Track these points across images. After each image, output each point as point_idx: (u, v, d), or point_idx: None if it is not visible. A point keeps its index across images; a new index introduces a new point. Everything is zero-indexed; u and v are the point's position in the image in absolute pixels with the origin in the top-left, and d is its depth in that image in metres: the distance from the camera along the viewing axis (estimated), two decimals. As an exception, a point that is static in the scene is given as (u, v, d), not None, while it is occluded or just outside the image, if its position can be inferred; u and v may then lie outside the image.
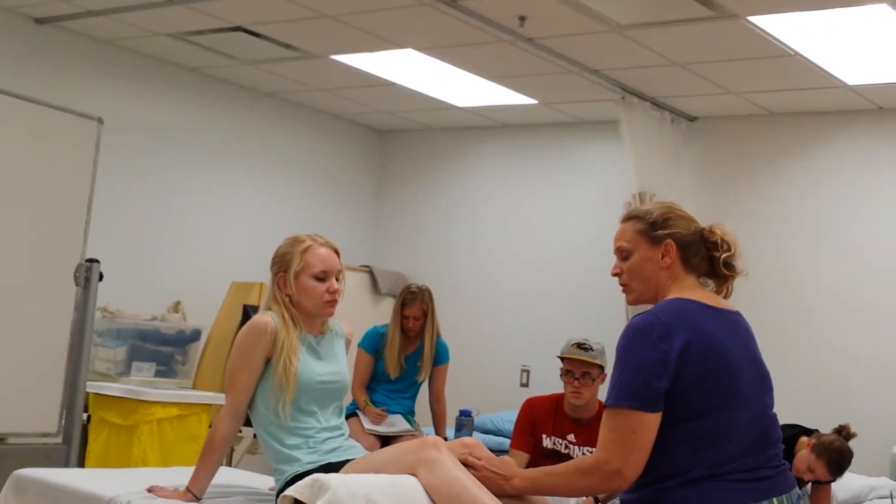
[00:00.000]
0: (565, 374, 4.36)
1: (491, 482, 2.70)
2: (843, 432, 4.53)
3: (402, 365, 5.54)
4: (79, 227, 5.08)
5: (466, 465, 2.74)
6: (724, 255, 2.60)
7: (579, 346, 4.34)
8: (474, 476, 2.71)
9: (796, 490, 2.57)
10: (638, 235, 2.62)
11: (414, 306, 5.50)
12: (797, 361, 6.21)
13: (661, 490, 2.46)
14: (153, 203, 6.78)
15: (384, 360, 5.50)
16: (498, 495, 2.68)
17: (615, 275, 2.67)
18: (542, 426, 4.36)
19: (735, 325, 2.62)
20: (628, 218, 2.67)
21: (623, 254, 2.65)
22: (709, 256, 2.63)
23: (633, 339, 2.48)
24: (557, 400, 4.42)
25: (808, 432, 4.58)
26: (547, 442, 4.32)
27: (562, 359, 4.40)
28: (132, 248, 6.55)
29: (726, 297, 2.66)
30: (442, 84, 6.84)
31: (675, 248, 2.60)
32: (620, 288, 2.70)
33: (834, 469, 4.48)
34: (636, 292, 2.64)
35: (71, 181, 5.07)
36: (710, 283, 2.66)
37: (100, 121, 5.20)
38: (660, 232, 2.60)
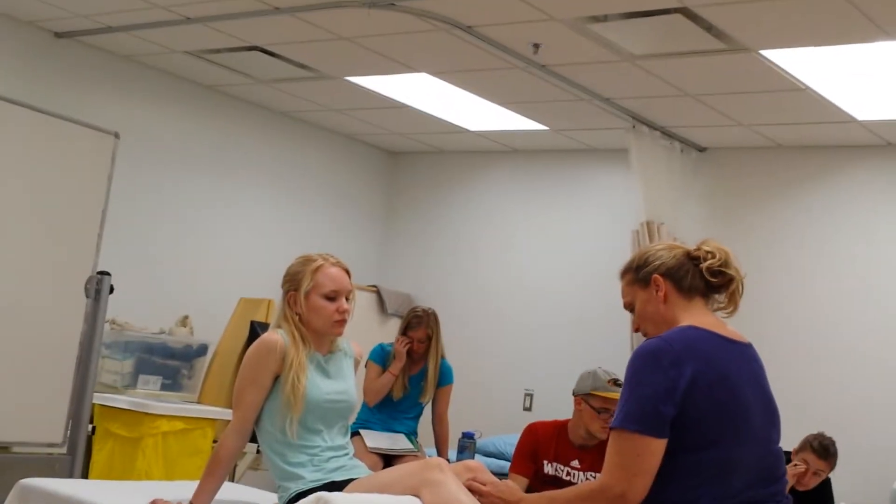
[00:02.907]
0: (602, 411, 4.16)
1: None
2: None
3: (406, 385, 5.56)
4: (91, 240, 5.12)
5: (472, 490, 2.75)
6: (706, 264, 2.64)
7: (615, 382, 4.23)
8: (480, 502, 2.73)
9: (797, 523, 2.59)
10: (631, 286, 2.72)
11: (419, 330, 5.53)
12: (798, 393, 6.20)
13: (666, 520, 2.48)
14: (165, 218, 6.83)
15: (389, 380, 5.53)
16: None
17: (636, 330, 2.77)
18: (545, 452, 4.34)
19: (745, 358, 2.64)
20: (621, 276, 2.77)
21: (630, 307, 2.75)
22: (701, 272, 2.67)
23: (644, 364, 2.51)
24: (561, 427, 4.39)
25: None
26: (548, 468, 4.31)
27: (592, 395, 4.23)
28: (143, 261, 6.60)
29: (734, 312, 2.69)
30: (454, 108, 6.89)
31: (663, 278, 2.65)
32: (632, 328, 2.79)
33: (823, 452, 4.61)
34: (652, 334, 2.67)
35: (85, 194, 5.12)
36: (721, 300, 2.69)
37: (116, 135, 5.25)
38: (643, 272, 2.68)
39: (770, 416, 2.64)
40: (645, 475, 2.45)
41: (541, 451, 4.32)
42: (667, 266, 2.66)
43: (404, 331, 5.57)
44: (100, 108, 6.30)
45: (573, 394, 4.30)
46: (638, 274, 2.70)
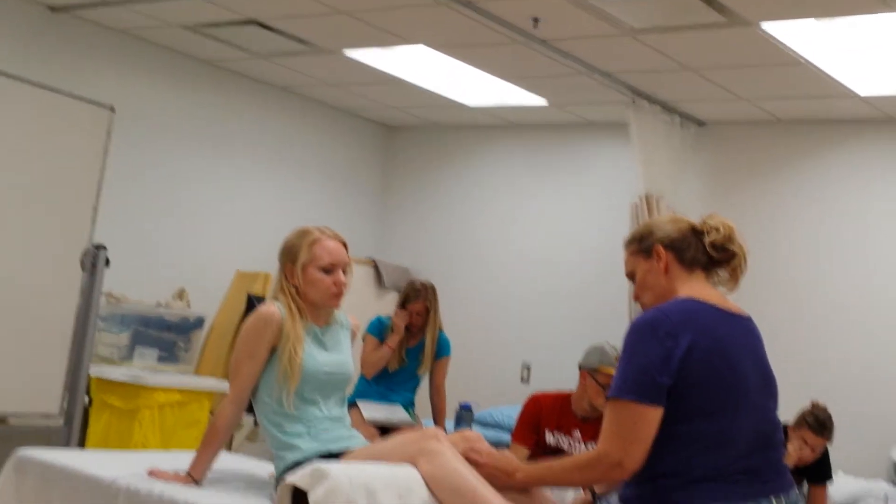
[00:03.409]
0: (607, 387, 3.91)
1: (494, 477, 2.72)
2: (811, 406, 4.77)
3: (404, 358, 5.57)
4: (87, 213, 5.12)
5: (469, 460, 2.75)
6: (710, 239, 2.65)
7: None
8: (478, 471, 2.73)
9: (795, 490, 2.60)
10: (634, 256, 2.73)
11: (417, 303, 5.54)
12: (798, 365, 6.23)
13: (663, 489, 2.48)
14: (161, 191, 6.81)
15: (386, 352, 5.53)
16: (500, 489, 2.71)
17: (635, 299, 2.77)
18: (547, 422, 4.35)
19: (743, 330, 2.65)
20: (625, 246, 2.77)
21: (631, 277, 2.76)
22: (704, 246, 2.67)
23: (640, 334, 2.52)
24: (564, 398, 4.40)
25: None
26: (550, 438, 4.32)
27: (598, 370, 4.20)
28: (139, 235, 6.58)
29: (735, 287, 2.69)
30: (452, 82, 6.85)
31: (665, 250, 2.66)
32: (633, 297, 2.80)
33: (819, 428, 4.62)
34: (650, 304, 2.68)
35: (81, 167, 5.11)
36: (723, 275, 2.69)
37: (112, 109, 5.23)
38: (647, 242, 2.69)
39: (768, 388, 2.65)
40: (642, 443, 2.46)
41: (544, 421, 4.34)
42: (670, 238, 2.67)
43: (403, 304, 5.57)
44: (95, 82, 6.26)
45: (579, 367, 4.31)
46: (641, 244, 2.71)
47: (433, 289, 5.63)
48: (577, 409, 4.33)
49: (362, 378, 5.60)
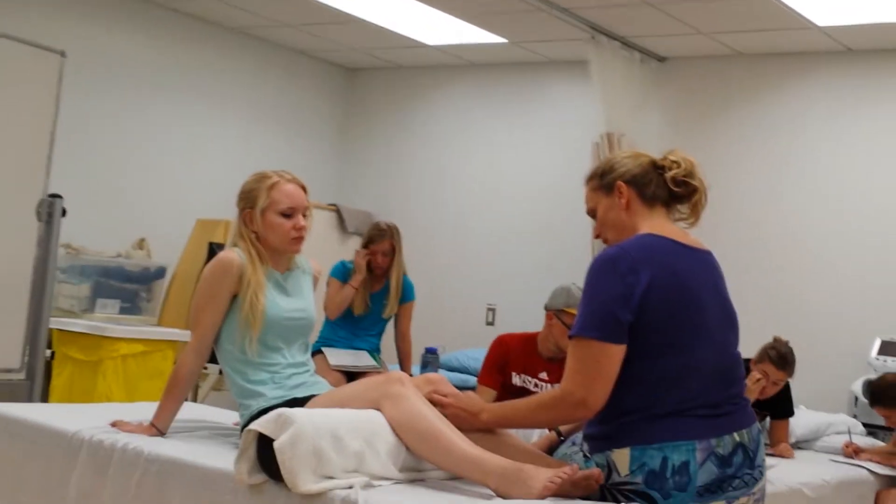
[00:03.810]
0: None
1: (459, 419, 2.72)
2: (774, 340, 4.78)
3: (368, 303, 5.54)
4: (41, 163, 5.01)
5: (434, 403, 2.75)
6: (671, 174, 2.64)
7: None
8: (442, 413, 2.73)
9: (756, 425, 2.62)
10: (594, 192, 2.72)
11: (383, 242, 5.50)
12: (759, 300, 6.28)
13: (625, 424, 2.49)
14: (117, 139, 6.69)
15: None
16: (466, 431, 2.70)
17: (596, 236, 2.76)
18: (513, 364, 4.36)
19: (704, 264, 2.65)
20: (586, 182, 2.76)
21: (592, 214, 2.74)
22: (665, 182, 2.65)
23: (601, 272, 2.52)
24: (530, 339, 4.40)
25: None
26: (516, 380, 4.33)
27: (564, 311, 4.17)
28: (96, 184, 6.48)
29: (696, 223, 2.69)
30: (411, 21, 6.76)
31: (627, 186, 2.65)
32: (593, 234, 2.80)
33: (781, 362, 4.67)
34: (612, 241, 2.68)
35: (32, 115, 5.00)
36: (684, 210, 2.68)
37: (62, 54, 5.11)
38: (608, 178, 2.68)
39: (728, 321, 2.66)
40: (605, 381, 2.47)
41: (510, 362, 4.34)
42: (631, 173, 2.66)
43: (366, 245, 5.54)
44: (44, 26, 6.10)
45: (545, 308, 4.30)
46: (602, 180, 2.70)
47: (398, 230, 5.60)
48: (543, 350, 4.34)
49: (327, 325, 5.58)
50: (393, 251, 5.53)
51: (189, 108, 7.15)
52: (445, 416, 2.70)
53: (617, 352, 2.47)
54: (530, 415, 2.67)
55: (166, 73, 6.99)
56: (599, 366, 2.47)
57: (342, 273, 5.54)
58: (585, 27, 6.36)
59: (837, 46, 6.33)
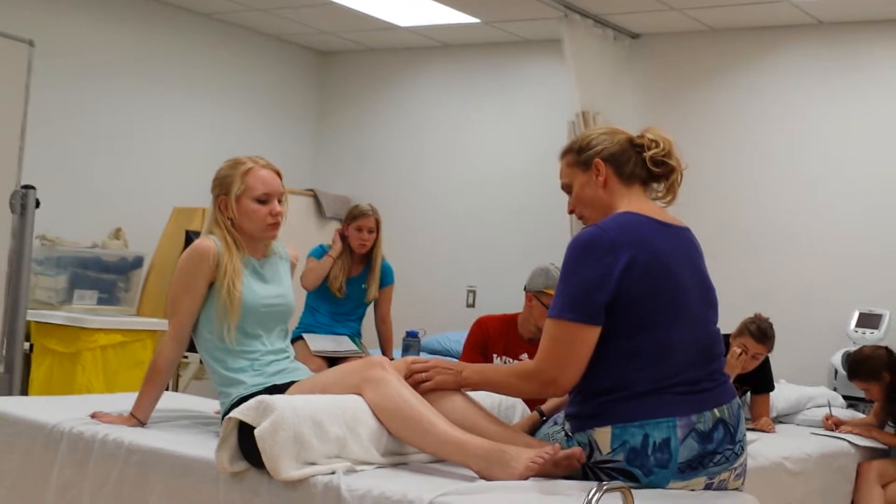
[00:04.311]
0: None
1: (445, 382, 2.73)
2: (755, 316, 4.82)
3: (345, 288, 5.51)
4: (13, 154, 4.97)
5: (416, 372, 2.76)
6: (650, 153, 2.63)
7: None
8: (426, 376, 2.74)
9: (737, 400, 2.63)
10: (571, 167, 2.71)
11: (367, 219, 5.48)
12: (737, 277, 6.30)
13: (606, 403, 2.50)
14: (90, 128, 6.63)
15: (329, 280, 5.49)
16: (451, 388, 2.73)
17: (570, 212, 2.75)
18: (494, 345, 4.37)
19: (682, 241, 2.66)
20: (561, 156, 2.75)
21: (567, 189, 2.73)
22: (643, 160, 2.65)
23: (579, 253, 2.52)
24: (510, 320, 4.41)
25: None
26: (497, 361, 4.34)
27: (544, 293, 4.17)
28: (70, 174, 6.42)
29: (672, 201, 2.69)
30: (383, 3, 6.72)
31: (605, 163, 2.64)
32: (567, 209, 2.78)
33: (760, 336, 4.71)
34: (589, 218, 2.68)
35: (3, 106, 4.95)
36: (660, 189, 2.69)
37: (31, 43, 5.06)
38: (585, 155, 2.67)
39: (707, 298, 2.67)
40: (577, 363, 2.49)
41: (490, 344, 4.36)
42: (609, 151, 2.65)
43: (350, 221, 5.51)
44: (12, 14, 6.02)
45: (525, 289, 4.31)
46: (579, 156, 2.69)
47: (377, 211, 5.59)
48: (523, 332, 4.35)
49: (307, 311, 5.56)
50: (378, 228, 5.52)
51: (162, 95, 7.09)
52: (431, 381, 2.71)
53: (592, 333, 2.48)
54: (506, 380, 2.70)
55: (138, 61, 6.93)
56: (573, 348, 2.48)
57: (320, 255, 5.52)
58: (558, 5, 6.34)
59: (808, 19, 6.34)
